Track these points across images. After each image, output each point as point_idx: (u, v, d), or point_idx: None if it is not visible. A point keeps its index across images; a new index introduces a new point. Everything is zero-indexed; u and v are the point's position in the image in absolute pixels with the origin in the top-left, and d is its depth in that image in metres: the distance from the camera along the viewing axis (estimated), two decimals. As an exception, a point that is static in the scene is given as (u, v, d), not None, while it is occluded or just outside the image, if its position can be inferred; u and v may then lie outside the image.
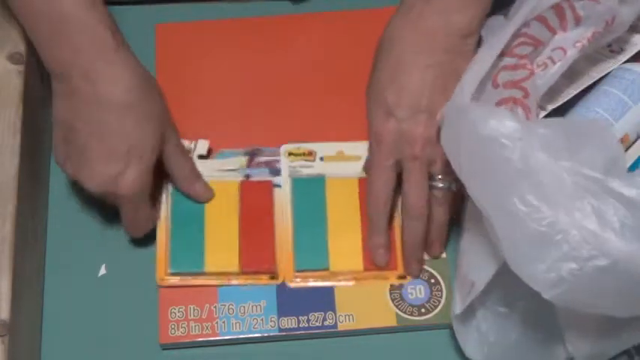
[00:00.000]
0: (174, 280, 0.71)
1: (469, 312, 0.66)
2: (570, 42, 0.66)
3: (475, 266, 0.63)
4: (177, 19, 0.81)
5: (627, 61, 0.71)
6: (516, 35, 0.66)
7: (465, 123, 0.60)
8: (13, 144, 0.70)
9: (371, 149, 0.70)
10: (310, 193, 0.74)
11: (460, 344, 0.68)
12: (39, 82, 0.75)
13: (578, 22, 0.67)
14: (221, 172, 0.74)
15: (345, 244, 0.72)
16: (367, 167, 0.71)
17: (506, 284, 0.63)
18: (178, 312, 0.70)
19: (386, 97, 0.68)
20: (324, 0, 0.82)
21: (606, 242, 0.55)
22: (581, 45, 0.66)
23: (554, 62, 0.66)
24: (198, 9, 0.82)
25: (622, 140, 0.69)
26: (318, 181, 0.74)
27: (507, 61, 0.65)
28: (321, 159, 0.75)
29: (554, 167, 0.56)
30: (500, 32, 0.65)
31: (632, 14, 0.68)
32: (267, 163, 0.75)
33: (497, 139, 0.58)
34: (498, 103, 0.64)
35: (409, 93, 0.67)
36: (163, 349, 0.71)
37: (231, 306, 0.71)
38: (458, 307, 0.65)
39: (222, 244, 0.72)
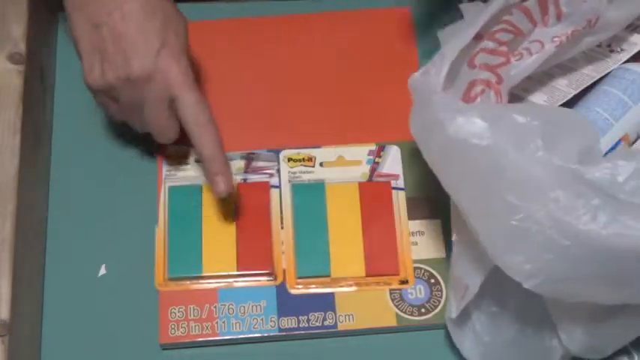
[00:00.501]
0: (173, 286, 0.71)
1: (463, 313, 0.66)
2: (549, 36, 0.66)
3: (468, 269, 0.63)
4: (177, 19, 0.81)
5: (627, 61, 0.71)
6: (498, 21, 0.65)
7: (434, 117, 0.59)
8: (13, 144, 0.70)
9: None
10: (310, 198, 0.74)
11: (457, 345, 0.68)
12: (39, 82, 0.76)
13: (559, 17, 0.67)
14: None
15: (347, 250, 0.72)
16: None
17: (497, 284, 0.63)
18: (178, 312, 0.71)
19: None
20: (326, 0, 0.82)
21: (581, 231, 0.55)
22: (559, 41, 0.66)
23: (530, 54, 0.66)
24: (198, 9, 0.82)
25: (622, 140, 0.69)
26: (318, 186, 0.74)
27: (487, 44, 0.65)
28: (321, 164, 0.75)
29: (527, 161, 0.56)
30: (479, 13, 0.64)
31: (619, 17, 0.68)
32: (264, 170, 0.75)
33: (466, 140, 0.57)
34: (472, 83, 0.63)
35: None
36: (163, 349, 0.71)
37: (231, 306, 0.71)
38: (453, 312, 0.65)
39: (219, 246, 0.72)
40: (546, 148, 0.57)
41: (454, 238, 0.65)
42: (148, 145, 0.76)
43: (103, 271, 0.73)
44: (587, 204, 0.55)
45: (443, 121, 0.58)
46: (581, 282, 0.57)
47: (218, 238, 0.72)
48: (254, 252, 0.72)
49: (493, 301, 0.67)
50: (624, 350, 0.69)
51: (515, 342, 0.67)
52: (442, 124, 0.58)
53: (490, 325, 0.67)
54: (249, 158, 0.75)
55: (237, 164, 0.75)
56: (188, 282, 0.71)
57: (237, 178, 0.74)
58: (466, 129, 0.57)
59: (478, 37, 0.64)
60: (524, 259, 0.57)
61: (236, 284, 0.71)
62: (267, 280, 0.71)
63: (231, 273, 0.71)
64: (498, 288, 0.65)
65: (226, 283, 0.71)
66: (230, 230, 0.72)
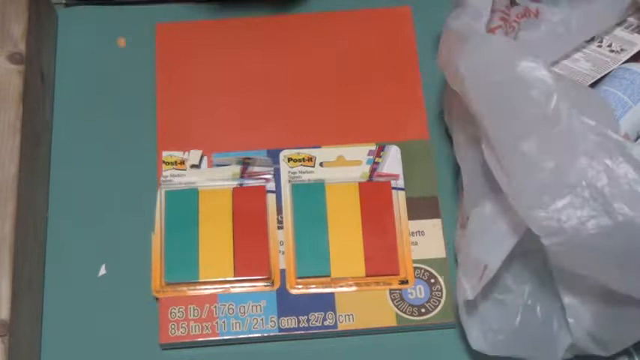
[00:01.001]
0: (170, 292, 0.71)
1: (471, 302, 0.66)
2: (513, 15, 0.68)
3: (487, 248, 0.63)
4: (177, 19, 0.81)
5: (627, 61, 0.72)
6: None
7: (492, 56, 0.59)
8: (13, 144, 0.70)
9: None
10: (310, 198, 0.74)
11: (466, 334, 0.67)
12: (39, 82, 0.75)
13: None
14: (215, 180, 0.74)
15: (347, 250, 0.72)
16: None
17: (507, 271, 0.63)
18: (178, 312, 0.71)
19: None
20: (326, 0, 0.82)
21: (612, 203, 0.55)
22: (516, 24, 0.67)
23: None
24: (198, 9, 0.82)
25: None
26: (318, 186, 0.74)
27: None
28: (321, 164, 0.75)
29: (578, 121, 0.57)
30: None
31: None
32: (260, 175, 0.75)
33: (529, 81, 0.57)
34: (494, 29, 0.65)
35: None
36: (163, 349, 0.71)
37: (231, 306, 0.71)
38: (469, 294, 0.65)
39: (216, 251, 0.72)
40: (597, 117, 0.57)
41: (471, 216, 0.65)
42: (148, 144, 0.76)
43: (103, 271, 0.73)
44: (626, 178, 0.55)
45: (506, 59, 0.58)
46: (599, 256, 0.58)
47: (215, 243, 0.72)
48: (251, 257, 0.72)
49: (502, 289, 0.67)
50: (624, 350, 0.69)
51: (523, 330, 0.67)
52: (505, 61, 0.58)
53: (498, 313, 0.67)
54: (245, 163, 0.75)
55: (233, 169, 0.75)
56: (185, 287, 0.71)
57: (234, 184, 0.74)
58: (530, 72, 0.58)
59: None
60: (550, 215, 0.57)
61: (233, 290, 0.71)
62: (265, 286, 0.71)
63: (228, 279, 0.71)
64: (508, 275, 0.65)
65: (224, 289, 0.71)
66: (227, 235, 0.72)
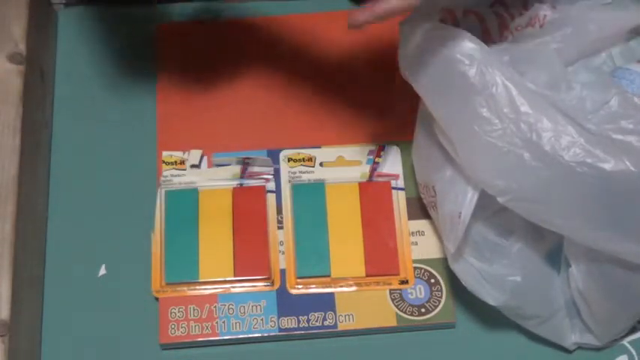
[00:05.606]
0: (170, 292, 0.71)
1: (457, 255, 0.66)
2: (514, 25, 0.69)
3: (455, 200, 0.64)
4: (177, 19, 0.81)
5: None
6: None
7: (426, 41, 0.62)
8: (13, 144, 0.70)
9: None
10: (310, 198, 0.74)
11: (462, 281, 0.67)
12: (39, 82, 0.76)
13: (526, 7, 0.69)
14: (215, 180, 0.74)
15: (347, 250, 0.72)
16: None
17: (492, 227, 0.66)
18: (178, 312, 0.71)
19: None
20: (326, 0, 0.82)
21: (549, 154, 0.58)
22: (510, 35, 0.69)
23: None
24: (198, 9, 0.82)
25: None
26: (318, 186, 0.74)
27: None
28: (321, 164, 0.75)
29: (506, 83, 0.60)
30: None
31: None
32: (260, 175, 0.75)
33: (455, 57, 0.61)
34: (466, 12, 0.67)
35: None
36: (163, 349, 0.71)
37: (231, 306, 0.71)
38: (451, 245, 0.65)
39: (216, 251, 0.72)
40: (522, 75, 0.61)
41: (436, 184, 0.66)
42: (148, 144, 0.76)
43: (103, 271, 0.73)
44: (556, 129, 0.58)
45: (435, 40, 0.62)
46: (550, 206, 0.60)
47: (215, 243, 0.72)
48: (251, 257, 0.72)
49: (491, 243, 0.67)
50: (624, 350, 0.70)
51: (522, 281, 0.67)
52: (435, 43, 0.62)
53: (491, 266, 0.67)
54: (245, 163, 0.75)
55: (233, 169, 0.75)
56: (185, 287, 0.71)
57: (233, 184, 0.74)
58: (456, 49, 0.61)
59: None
60: (497, 174, 0.60)
61: (233, 290, 0.71)
62: (265, 286, 0.71)
63: (228, 279, 0.71)
64: (504, 221, 0.67)
65: (224, 289, 0.71)
66: (227, 235, 0.72)
